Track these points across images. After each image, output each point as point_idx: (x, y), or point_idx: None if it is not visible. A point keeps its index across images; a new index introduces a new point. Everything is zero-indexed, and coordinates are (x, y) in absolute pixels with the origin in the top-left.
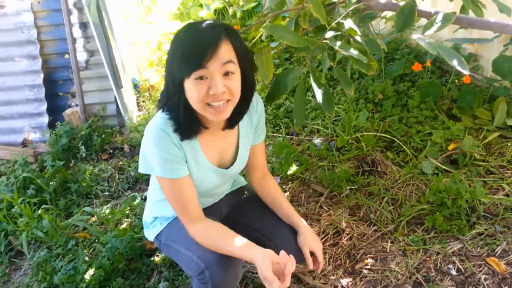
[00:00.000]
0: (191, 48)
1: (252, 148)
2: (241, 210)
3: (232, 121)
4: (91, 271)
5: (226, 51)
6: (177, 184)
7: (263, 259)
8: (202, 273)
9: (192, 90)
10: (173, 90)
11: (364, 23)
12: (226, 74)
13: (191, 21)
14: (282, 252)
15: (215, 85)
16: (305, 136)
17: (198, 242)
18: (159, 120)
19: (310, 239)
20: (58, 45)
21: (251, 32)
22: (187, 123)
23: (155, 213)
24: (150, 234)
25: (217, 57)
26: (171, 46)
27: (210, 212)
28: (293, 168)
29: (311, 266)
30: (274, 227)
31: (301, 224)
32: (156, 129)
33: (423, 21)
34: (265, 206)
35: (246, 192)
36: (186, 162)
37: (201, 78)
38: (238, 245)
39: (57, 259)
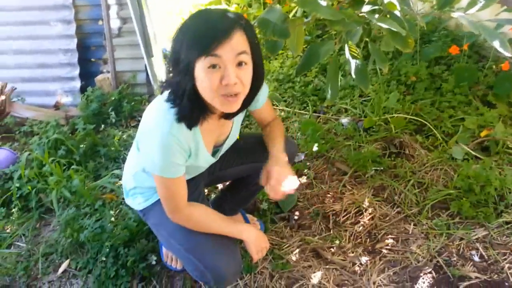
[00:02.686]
0: (205, 31)
1: (258, 111)
2: (218, 161)
3: (235, 112)
4: (117, 231)
5: (240, 41)
6: (173, 182)
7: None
8: (206, 279)
9: (204, 79)
10: (178, 74)
11: None
12: (239, 64)
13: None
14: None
15: (228, 75)
16: (332, 115)
17: (186, 227)
18: (168, 123)
19: (272, 165)
20: (92, 11)
21: (284, 5)
22: (191, 111)
23: (135, 183)
24: (131, 203)
25: (231, 46)
26: (181, 27)
27: (192, 178)
28: (318, 146)
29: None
30: (247, 150)
31: (272, 154)
32: (167, 135)
33: (463, 3)
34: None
35: None
36: (187, 159)
37: (213, 66)
38: (223, 225)
39: (84, 217)
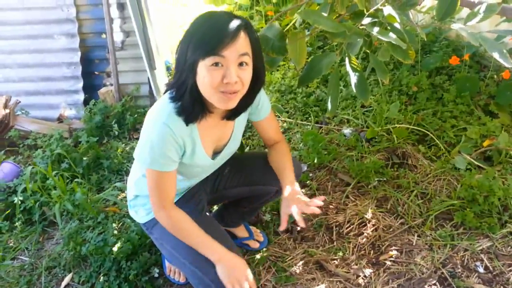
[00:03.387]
0: (212, 33)
1: (259, 123)
2: (221, 178)
3: (236, 112)
4: (119, 244)
5: (243, 43)
6: (163, 176)
7: (223, 269)
8: None
9: (206, 75)
10: (183, 72)
11: (403, 11)
12: (241, 64)
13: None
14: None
15: (229, 73)
16: (334, 126)
17: (166, 228)
18: (165, 113)
19: (286, 204)
20: (95, 25)
21: (285, 18)
22: (191, 107)
23: (137, 191)
24: (133, 215)
25: (235, 47)
26: (189, 29)
27: (195, 193)
28: (321, 157)
29: (283, 228)
30: (252, 171)
31: (284, 191)
32: (162, 125)
33: (463, 14)
34: (237, 160)
35: (227, 167)
36: (183, 155)
37: (216, 64)
38: (203, 240)
39: (87, 230)
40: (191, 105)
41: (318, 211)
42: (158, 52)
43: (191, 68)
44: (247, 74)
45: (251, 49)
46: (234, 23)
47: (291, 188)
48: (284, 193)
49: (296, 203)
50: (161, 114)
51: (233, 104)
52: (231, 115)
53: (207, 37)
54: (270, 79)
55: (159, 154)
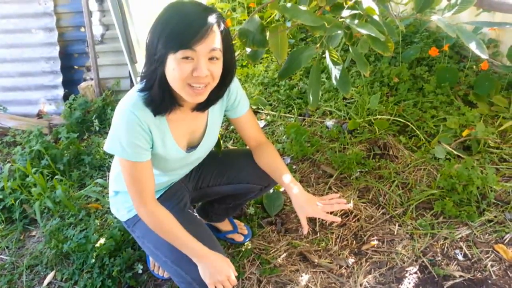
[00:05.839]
0: (184, 27)
1: (238, 120)
2: (204, 176)
3: (206, 104)
4: (102, 241)
5: (215, 38)
6: (137, 167)
7: (205, 269)
8: None
9: (176, 68)
10: (152, 63)
11: (383, 3)
12: (211, 58)
13: None
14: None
15: (200, 67)
16: (317, 118)
17: (147, 225)
18: (132, 102)
19: (302, 206)
20: (74, 18)
21: (266, 11)
22: (160, 98)
23: (116, 187)
24: (115, 212)
25: (207, 42)
26: (159, 20)
27: (177, 190)
28: (304, 149)
29: (305, 231)
30: (235, 169)
31: (292, 193)
32: (128, 112)
33: (443, 4)
34: (219, 158)
35: (210, 165)
36: (152, 145)
37: (186, 58)
38: (186, 239)
39: (69, 228)
40: (160, 97)
41: (349, 206)
42: (139, 45)
43: (161, 60)
44: (218, 68)
45: (222, 43)
46: (207, 17)
47: (298, 189)
48: (293, 195)
49: (313, 203)
50: (127, 103)
51: (202, 97)
52: (201, 106)
53: (178, 31)
54: (253, 72)
55: (127, 143)
